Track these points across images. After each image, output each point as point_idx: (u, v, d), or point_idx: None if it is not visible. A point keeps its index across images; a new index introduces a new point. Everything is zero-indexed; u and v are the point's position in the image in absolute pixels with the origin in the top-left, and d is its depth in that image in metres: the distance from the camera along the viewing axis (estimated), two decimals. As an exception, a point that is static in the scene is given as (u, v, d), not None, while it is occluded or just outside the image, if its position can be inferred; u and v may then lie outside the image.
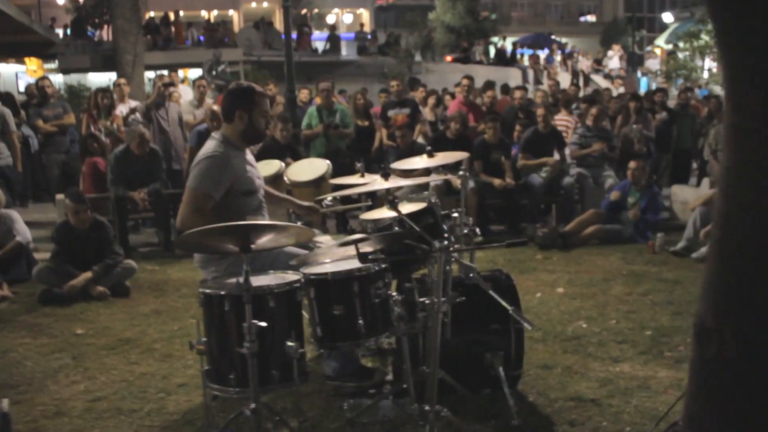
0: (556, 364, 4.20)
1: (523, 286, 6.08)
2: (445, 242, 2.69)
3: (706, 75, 21.42)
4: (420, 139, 9.99)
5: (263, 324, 2.73)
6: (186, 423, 3.49)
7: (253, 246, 2.72)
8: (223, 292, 2.85)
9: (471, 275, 2.63)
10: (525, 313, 5.12)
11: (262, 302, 2.84)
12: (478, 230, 3.77)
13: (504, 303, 2.61)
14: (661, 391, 3.82)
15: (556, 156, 8.60)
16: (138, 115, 8.46)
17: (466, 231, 3.70)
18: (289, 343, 2.85)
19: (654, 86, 23.88)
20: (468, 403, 3.51)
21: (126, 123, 8.67)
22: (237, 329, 2.78)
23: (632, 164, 7.69)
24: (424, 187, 7.73)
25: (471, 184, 7.87)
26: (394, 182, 2.82)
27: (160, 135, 8.35)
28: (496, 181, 8.04)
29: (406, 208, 3.31)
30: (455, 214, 3.71)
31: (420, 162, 4.23)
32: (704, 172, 9.93)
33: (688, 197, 8.95)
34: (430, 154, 4.26)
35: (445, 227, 3.35)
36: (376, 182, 2.83)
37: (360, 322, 3.12)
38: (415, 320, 3.20)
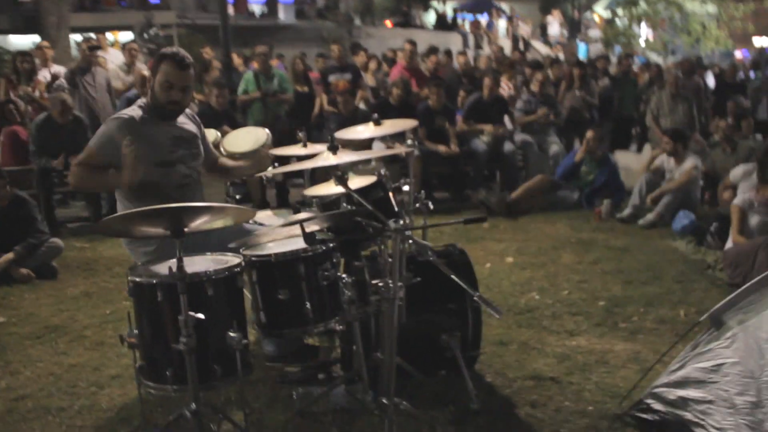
0: (512, 339, 4.06)
1: (472, 256, 5.78)
2: (401, 222, 2.46)
3: (642, 43, 21.63)
4: (362, 105, 9.72)
5: (201, 316, 2.46)
6: (121, 420, 3.19)
7: (186, 230, 2.43)
8: (154, 281, 2.57)
9: (430, 257, 2.41)
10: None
11: (198, 291, 2.57)
12: (430, 204, 3.55)
13: (468, 288, 2.41)
14: (620, 366, 3.73)
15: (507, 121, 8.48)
16: (62, 81, 7.89)
17: (418, 205, 3.49)
18: (231, 334, 2.60)
19: (593, 53, 24.09)
20: (423, 387, 3.34)
21: (49, 89, 8.11)
22: (172, 322, 2.51)
23: (589, 134, 7.59)
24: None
25: (416, 151, 7.67)
26: (343, 157, 2.57)
27: (86, 102, 7.81)
28: (442, 148, 7.86)
29: (355, 181, 3.06)
30: (405, 187, 3.49)
31: (365, 131, 3.99)
32: (645, 138, 9.96)
33: (630, 163, 8.96)
34: (377, 123, 4.03)
35: (396, 203, 3.12)
36: (323, 157, 2.57)
37: (307, 306, 2.90)
38: (367, 303, 2.98)
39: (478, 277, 3.72)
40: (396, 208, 3.12)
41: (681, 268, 5.44)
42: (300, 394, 3.24)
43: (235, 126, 7.95)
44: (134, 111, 3.31)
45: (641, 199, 7.01)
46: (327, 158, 2.53)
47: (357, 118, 8.56)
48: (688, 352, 3.01)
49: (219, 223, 2.62)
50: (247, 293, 2.96)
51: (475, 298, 2.29)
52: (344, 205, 2.90)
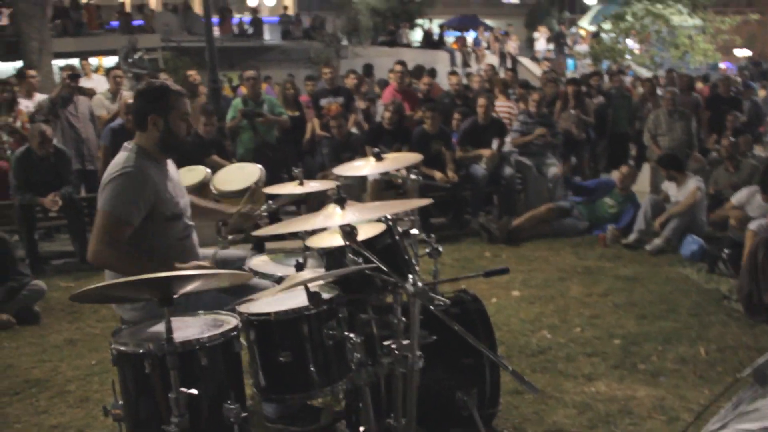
0: (527, 387, 3.79)
1: (476, 289, 5.61)
2: (419, 284, 2.19)
3: (629, 57, 21.56)
4: (354, 129, 9.50)
5: (194, 392, 2.18)
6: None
7: (175, 296, 2.16)
8: (141, 351, 2.28)
9: (454, 326, 2.14)
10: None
11: (191, 361, 2.29)
12: (440, 248, 3.29)
13: (502, 364, 2.15)
14: (645, 416, 3.48)
15: (495, 145, 8.25)
16: (42, 109, 7.60)
17: (428, 250, 3.24)
18: (229, 407, 2.33)
19: (580, 68, 24.01)
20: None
21: (32, 120, 7.81)
22: (162, 397, 2.23)
23: (624, 169, 7.47)
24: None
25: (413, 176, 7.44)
26: (351, 212, 2.28)
27: (69, 132, 7.52)
28: (438, 175, 7.60)
29: (364, 214, 2.77)
30: (414, 231, 3.24)
31: (365, 166, 3.73)
32: (643, 156, 9.77)
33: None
34: (378, 158, 3.78)
35: (408, 256, 2.85)
36: (329, 213, 2.28)
37: (311, 369, 2.62)
38: (376, 362, 2.71)
39: None
40: (406, 256, 2.86)
41: (695, 299, 5.20)
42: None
43: (224, 155, 7.72)
44: (132, 161, 2.98)
45: (647, 223, 6.79)
46: (333, 215, 2.26)
47: (350, 142, 8.35)
48: (729, 411, 2.74)
49: (213, 285, 2.35)
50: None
51: (510, 374, 2.03)
52: (350, 256, 2.63)
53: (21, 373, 4.21)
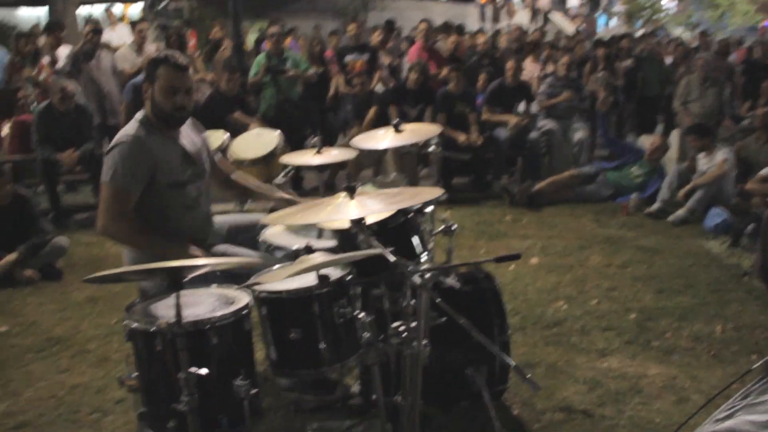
0: (540, 360, 3.81)
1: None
2: (426, 276, 2.18)
3: (664, 15, 20.90)
4: (379, 86, 9.40)
5: (204, 371, 2.22)
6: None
7: (185, 281, 2.18)
8: (152, 329, 2.32)
9: (460, 321, 2.13)
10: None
11: (202, 340, 2.32)
12: (454, 226, 3.28)
13: (505, 358, 2.15)
14: (655, 395, 3.47)
15: (522, 107, 8.14)
16: (65, 65, 7.62)
17: (442, 227, 3.23)
18: (238, 383, 2.37)
19: (611, 25, 23.41)
20: (447, 426, 3.10)
21: (55, 72, 7.84)
22: (174, 374, 2.26)
23: (656, 140, 7.32)
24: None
25: (435, 138, 7.38)
26: (361, 203, 2.25)
27: (91, 87, 7.54)
28: (461, 137, 7.53)
29: (375, 202, 2.76)
30: (429, 208, 3.22)
31: (385, 139, 3.71)
32: (672, 122, 9.56)
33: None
34: (397, 129, 3.75)
35: (419, 244, 2.83)
36: (340, 203, 2.24)
37: (322, 346, 2.64)
38: (386, 339, 2.72)
39: (503, 283, 3.46)
40: (419, 240, 2.85)
41: (715, 274, 5.15)
42: (315, 428, 3.03)
43: (247, 111, 7.70)
44: (137, 130, 3.04)
45: (671, 193, 6.70)
46: (343, 206, 2.23)
47: (372, 100, 8.28)
48: (738, 400, 2.73)
49: (223, 267, 2.37)
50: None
51: (512, 370, 2.03)
52: (362, 237, 2.62)
53: (44, 331, 4.32)
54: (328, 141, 8.28)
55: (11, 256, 5.05)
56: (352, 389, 3.37)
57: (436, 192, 2.44)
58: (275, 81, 8.05)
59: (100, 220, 2.97)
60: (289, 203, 3.33)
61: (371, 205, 2.28)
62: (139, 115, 3.14)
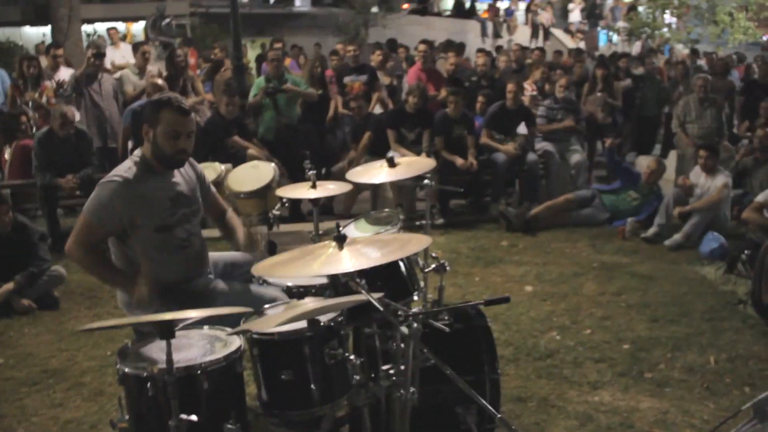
0: (531, 394, 3.83)
1: (490, 281, 5.72)
2: (415, 325, 2.22)
3: (666, 31, 20.96)
4: (378, 108, 9.46)
5: (194, 418, 2.25)
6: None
7: (176, 329, 2.22)
8: (144, 374, 2.35)
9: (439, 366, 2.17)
10: (494, 320, 4.76)
11: (193, 385, 2.36)
12: (447, 265, 3.30)
13: (490, 409, 2.17)
14: (646, 430, 3.49)
15: (523, 129, 8.17)
16: (67, 88, 7.68)
17: (434, 266, 3.26)
18: (229, 427, 2.40)
19: (613, 39, 23.51)
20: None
21: (57, 95, 7.91)
22: (165, 419, 2.29)
23: (652, 164, 7.28)
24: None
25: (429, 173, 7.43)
26: (350, 253, 2.27)
27: (93, 110, 7.60)
28: (459, 161, 7.57)
29: (363, 261, 2.73)
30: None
31: (380, 174, 3.76)
32: (670, 142, 9.60)
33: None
34: (391, 164, 3.80)
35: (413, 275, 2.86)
36: (331, 258, 2.27)
37: (312, 387, 2.68)
38: (377, 382, 2.75)
39: (497, 312, 3.49)
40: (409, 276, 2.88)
41: (710, 302, 5.16)
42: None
43: (245, 135, 7.76)
44: (128, 171, 3.09)
45: (668, 217, 6.72)
46: (333, 257, 2.26)
47: (369, 124, 8.33)
48: (726, 443, 2.76)
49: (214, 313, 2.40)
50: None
51: (498, 421, 2.05)
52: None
53: (39, 363, 4.34)
54: (326, 163, 8.35)
55: (8, 285, 5.07)
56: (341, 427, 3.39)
57: (426, 241, 2.46)
58: (275, 103, 8.11)
59: (69, 241, 3.07)
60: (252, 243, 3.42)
61: (360, 259, 2.30)
62: (137, 153, 3.17)
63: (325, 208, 7.19)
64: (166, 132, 3.06)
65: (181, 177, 3.24)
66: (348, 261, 2.29)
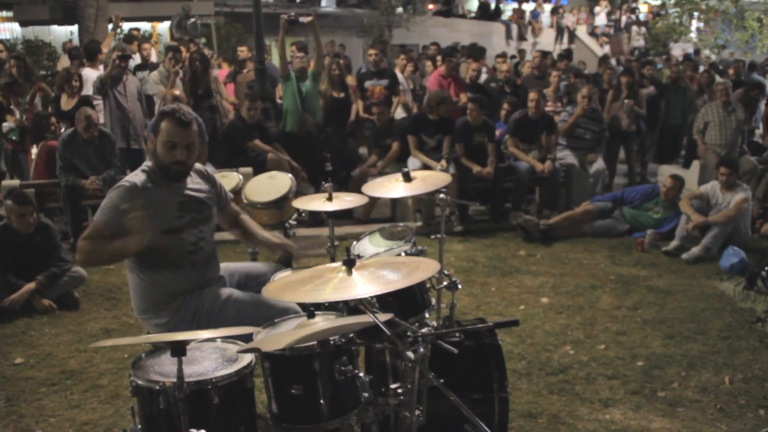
0: (542, 410, 3.83)
1: (506, 292, 5.71)
2: (421, 350, 2.24)
3: (694, 36, 20.70)
4: (399, 111, 9.50)
5: (203, 433, 2.29)
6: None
7: (188, 347, 2.26)
8: (156, 387, 2.39)
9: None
10: (508, 333, 4.79)
11: (204, 400, 2.40)
12: (458, 283, 3.32)
13: (471, 416, 2.19)
14: (657, 452, 3.48)
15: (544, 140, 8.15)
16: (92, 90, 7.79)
17: (446, 283, 3.27)
18: (238, 442, 2.44)
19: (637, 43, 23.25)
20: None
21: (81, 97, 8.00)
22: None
23: (669, 182, 7.13)
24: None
25: (451, 169, 7.45)
26: (361, 279, 2.29)
27: (117, 111, 7.69)
28: (476, 168, 7.57)
29: (371, 288, 2.73)
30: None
31: (396, 188, 3.77)
32: (694, 152, 9.50)
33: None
34: (407, 178, 3.81)
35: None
36: (343, 283, 2.29)
37: (322, 402, 2.71)
38: (386, 399, 2.78)
39: None
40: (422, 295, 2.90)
41: (728, 319, 5.12)
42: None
43: (266, 139, 7.82)
44: (137, 177, 3.16)
45: (687, 230, 6.66)
46: (343, 282, 2.27)
47: (391, 129, 8.35)
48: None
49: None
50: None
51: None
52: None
53: (58, 363, 4.42)
54: (347, 167, 8.40)
55: (30, 285, 5.17)
56: None
57: (434, 267, 2.46)
58: (301, 98, 8.23)
59: (78, 240, 3.13)
60: (284, 251, 3.43)
61: (370, 285, 2.31)
62: (146, 164, 3.25)
63: (345, 212, 7.23)
64: (164, 142, 3.12)
65: (191, 182, 3.29)
66: (359, 287, 2.30)
